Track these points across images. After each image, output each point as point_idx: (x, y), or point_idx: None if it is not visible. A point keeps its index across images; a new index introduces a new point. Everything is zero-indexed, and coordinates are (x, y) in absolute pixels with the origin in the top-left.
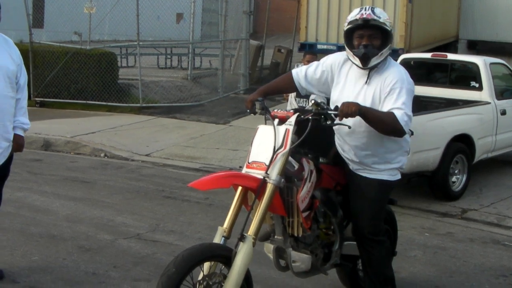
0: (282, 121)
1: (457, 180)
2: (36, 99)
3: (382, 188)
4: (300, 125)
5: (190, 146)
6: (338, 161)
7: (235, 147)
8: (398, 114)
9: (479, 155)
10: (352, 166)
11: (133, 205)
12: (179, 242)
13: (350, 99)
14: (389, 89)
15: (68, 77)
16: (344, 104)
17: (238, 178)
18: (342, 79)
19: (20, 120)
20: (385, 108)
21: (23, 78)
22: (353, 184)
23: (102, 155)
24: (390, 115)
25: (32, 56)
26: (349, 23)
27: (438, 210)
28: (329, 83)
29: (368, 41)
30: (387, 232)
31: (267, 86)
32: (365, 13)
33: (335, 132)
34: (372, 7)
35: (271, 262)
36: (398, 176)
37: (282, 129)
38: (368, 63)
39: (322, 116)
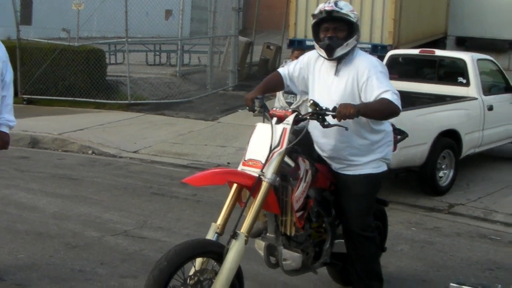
0: (281, 120)
1: (444, 175)
2: (24, 96)
3: (368, 182)
4: (297, 125)
5: (178, 143)
6: (322, 160)
7: (223, 144)
8: (388, 95)
9: (466, 150)
10: (334, 166)
11: (120, 202)
12: (167, 239)
13: (321, 92)
14: (366, 78)
15: (56, 74)
16: (341, 105)
17: (234, 175)
18: (316, 74)
19: (5, 117)
20: (373, 97)
21: (9, 75)
22: (339, 183)
23: (90, 152)
24: (384, 101)
25: (20, 53)
26: (314, 16)
27: (426, 205)
28: (306, 80)
29: (333, 33)
30: (378, 228)
31: (262, 85)
32: (328, 6)
33: (311, 132)
34: (336, 0)
35: (260, 258)
36: (384, 168)
37: (279, 128)
38: (333, 53)
39: (320, 117)
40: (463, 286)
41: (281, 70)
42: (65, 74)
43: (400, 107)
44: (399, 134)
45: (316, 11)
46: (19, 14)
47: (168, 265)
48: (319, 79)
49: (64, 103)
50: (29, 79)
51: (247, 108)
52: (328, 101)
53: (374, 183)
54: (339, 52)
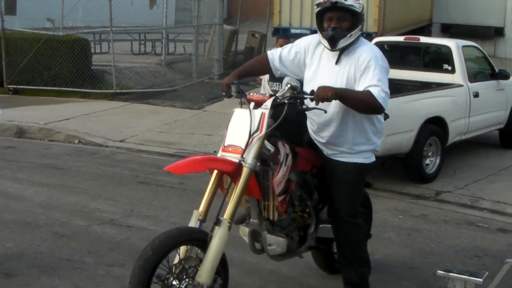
0: (258, 104)
1: (431, 162)
2: (9, 86)
3: (358, 171)
4: (276, 109)
5: (164, 132)
6: (313, 144)
7: (209, 132)
8: (375, 91)
9: (453, 137)
10: (326, 152)
11: (107, 191)
12: (154, 227)
13: (325, 80)
14: (364, 67)
15: (41, 64)
16: (320, 88)
17: (214, 162)
18: (315, 61)
19: None
20: (361, 87)
21: None
22: (328, 169)
23: (76, 141)
24: (367, 93)
25: (5, 43)
26: (318, 5)
27: (412, 192)
28: (302, 65)
29: (337, 23)
30: (363, 214)
31: (242, 68)
32: None
33: (308, 117)
34: None
35: (246, 246)
36: (373, 159)
37: (258, 112)
38: (336, 45)
39: (298, 100)
40: (450, 273)
41: (269, 53)
42: (50, 64)
43: (383, 106)
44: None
45: (320, 0)
46: (3, 4)
47: (153, 254)
48: (320, 66)
49: (50, 93)
50: (15, 69)
51: (223, 94)
52: None
53: (363, 172)
54: (342, 43)
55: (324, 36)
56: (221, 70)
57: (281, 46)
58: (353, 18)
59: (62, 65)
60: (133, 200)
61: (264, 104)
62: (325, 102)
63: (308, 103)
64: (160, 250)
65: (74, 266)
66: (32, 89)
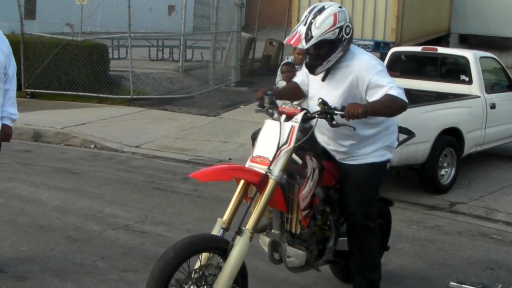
0: (289, 117)
1: (446, 173)
2: (27, 90)
3: (371, 171)
4: (306, 123)
5: (180, 138)
6: (328, 155)
7: (225, 139)
8: (393, 91)
9: (468, 148)
10: (338, 157)
11: (122, 196)
12: (168, 233)
13: (315, 93)
14: (368, 81)
15: (59, 69)
16: (350, 105)
17: (240, 171)
18: (312, 78)
19: (8, 110)
20: (379, 92)
21: (12, 68)
22: (342, 173)
23: (92, 146)
24: (389, 97)
25: (23, 47)
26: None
27: (427, 203)
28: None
29: (315, 52)
30: (381, 226)
31: (278, 90)
32: (295, 38)
33: (316, 131)
34: (311, 20)
35: (260, 254)
36: (388, 156)
37: (288, 125)
38: (315, 72)
39: (329, 116)
40: (463, 285)
41: (296, 79)
42: (68, 69)
43: (406, 100)
44: (406, 133)
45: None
46: (23, 8)
47: (175, 257)
48: (315, 83)
49: (67, 98)
50: (33, 73)
51: (256, 103)
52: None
53: (378, 172)
54: (319, 70)
55: (304, 64)
56: (238, 78)
57: (298, 54)
58: (330, 44)
59: (79, 70)
60: (148, 206)
61: (295, 117)
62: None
63: (338, 119)
64: (182, 254)
65: (87, 271)
66: (50, 93)
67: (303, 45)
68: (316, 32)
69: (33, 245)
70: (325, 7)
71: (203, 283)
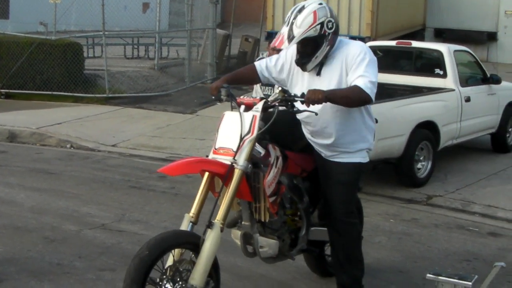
0: (249, 108)
1: (422, 166)
2: (1, 90)
3: (355, 170)
4: (266, 112)
5: (156, 136)
6: (307, 149)
7: (202, 137)
8: (361, 82)
9: (444, 142)
10: (325, 154)
11: (98, 196)
12: (145, 232)
13: (305, 87)
14: (355, 61)
15: (34, 68)
16: (310, 91)
17: (207, 163)
18: (300, 72)
19: None
20: (351, 78)
21: None
22: (325, 170)
23: (68, 146)
24: (355, 88)
25: None
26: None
27: (403, 197)
28: (287, 75)
29: (302, 49)
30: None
31: (232, 75)
32: (279, 40)
33: (303, 124)
34: (292, 20)
35: (237, 250)
36: (367, 159)
37: (249, 115)
38: (306, 68)
39: (289, 103)
40: (440, 277)
41: (257, 63)
42: (42, 68)
43: (371, 96)
44: None
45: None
46: None
47: (150, 254)
48: (305, 77)
49: (42, 97)
50: (7, 73)
51: (213, 97)
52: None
53: (359, 172)
54: (310, 66)
55: (295, 62)
56: (214, 75)
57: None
58: (314, 41)
59: (54, 69)
60: (125, 204)
61: (255, 106)
62: (316, 105)
63: (299, 106)
64: (156, 250)
65: (64, 271)
66: (24, 93)
67: (286, 45)
68: (297, 32)
69: (9, 246)
70: (305, 6)
71: (178, 279)
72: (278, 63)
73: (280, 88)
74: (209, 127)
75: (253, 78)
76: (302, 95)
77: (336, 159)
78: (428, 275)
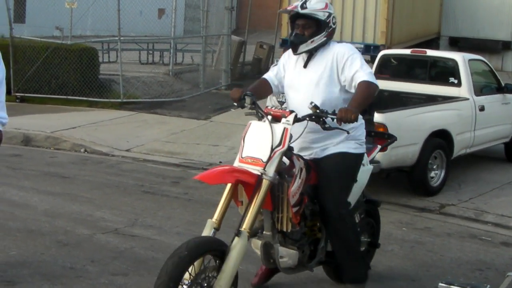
0: (275, 119)
1: (436, 175)
2: (17, 94)
3: (341, 159)
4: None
5: (170, 142)
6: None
7: (215, 143)
8: (364, 75)
9: (458, 150)
10: (309, 153)
11: (112, 200)
12: (158, 237)
13: (295, 81)
14: (345, 59)
15: (49, 72)
16: (341, 110)
17: (240, 173)
18: (290, 66)
19: None
20: (349, 73)
21: (1, 73)
22: (319, 170)
23: (82, 150)
24: (363, 84)
25: (13, 51)
26: (281, 12)
27: (417, 205)
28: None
29: (302, 31)
30: (371, 225)
31: (252, 89)
32: (298, 5)
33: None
34: None
35: (254, 259)
36: (361, 150)
37: (279, 127)
38: (297, 49)
39: (321, 119)
40: (452, 286)
41: (266, 75)
42: (58, 73)
43: (376, 82)
44: (389, 138)
45: (288, 8)
46: (13, 12)
47: (189, 254)
48: (295, 69)
49: (57, 101)
50: (22, 77)
51: (235, 104)
52: (296, 92)
53: (348, 161)
54: (302, 48)
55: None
56: (228, 81)
57: None
58: (317, 25)
59: (69, 74)
60: (138, 209)
61: (286, 119)
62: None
63: (330, 122)
64: (195, 252)
65: (77, 275)
66: (39, 97)
67: (298, 10)
68: (310, 6)
69: (23, 249)
70: None
71: (205, 284)
72: (280, 67)
73: (313, 103)
74: (223, 133)
75: (267, 89)
76: (334, 112)
77: (321, 155)
78: (440, 284)
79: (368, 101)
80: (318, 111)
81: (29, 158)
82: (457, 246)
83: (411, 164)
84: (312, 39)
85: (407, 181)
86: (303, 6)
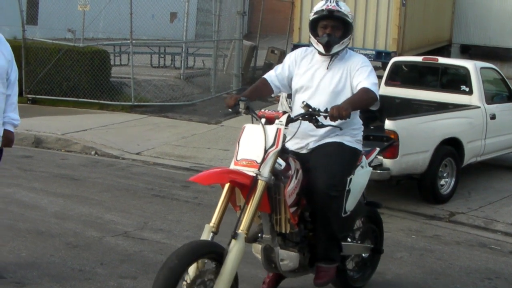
0: (269, 121)
1: (446, 183)
2: (28, 95)
3: (334, 147)
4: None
5: (181, 145)
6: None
7: (226, 147)
8: (367, 83)
9: (468, 159)
10: (311, 145)
11: (121, 203)
12: (167, 241)
13: (313, 83)
14: (358, 68)
15: (61, 74)
16: (333, 108)
17: (235, 174)
18: (303, 69)
19: (10, 116)
20: (356, 81)
21: (14, 74)
22: (312, 154)
23: (93, 152)
24: (363, 90)
25: (25, 52)
26: (315, 13)
27: (426, 213)
28: (292, 77)
29: (331, 31)
30: (373, 230)
31: (248, 91)
32: (331, 5)
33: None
34: (337, 0)
35: (257, 261)
36: (357, 146)
37: (272, 128)
38: (331, 50)
39: (313, 118)
40: None
41: (266, 75)
42: (69, 75)
43: (377, 94)
44: (387, 141)
45: (318, 8)
46: (25, 13)
47: (180, 263)
48: (309, 71)
49: (68, 104)
50: (34, 78)
51: (229, 109)
52: (319, 95)
53: (342, 151)
54: (335, 49)
55: (320, 41)
56: (239, 85)
57: None
58: (345, 27)
59: (81, 76)
60: (147, 213)
61: (279, 120)
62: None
63: (322, 120)
64: (186, 260)
65: (85, 277)
66: (51, 99)
67: (338, 8)
68: (343, 8)
69: (32, 250)
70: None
71: None
72: (285, 68)
73: (305, 103)
74: (234, 138)
75: (267, 89)
76: (326, 110)
77: (318, 143)
78: None
79: (362, 105)
80: (310, 109)
81: (40, 159)
82: (466, 255)
83: (421, 172)
84: (342, 41)
85: (417, 188)
86: (337, 6)
